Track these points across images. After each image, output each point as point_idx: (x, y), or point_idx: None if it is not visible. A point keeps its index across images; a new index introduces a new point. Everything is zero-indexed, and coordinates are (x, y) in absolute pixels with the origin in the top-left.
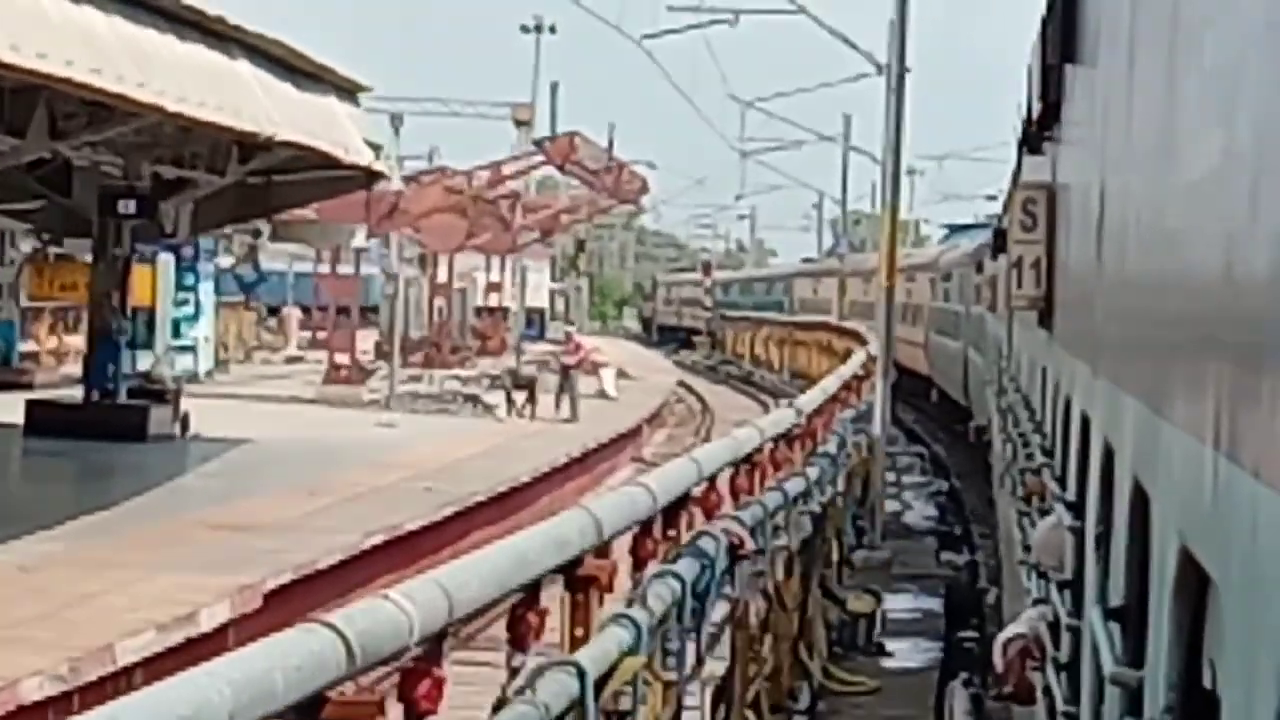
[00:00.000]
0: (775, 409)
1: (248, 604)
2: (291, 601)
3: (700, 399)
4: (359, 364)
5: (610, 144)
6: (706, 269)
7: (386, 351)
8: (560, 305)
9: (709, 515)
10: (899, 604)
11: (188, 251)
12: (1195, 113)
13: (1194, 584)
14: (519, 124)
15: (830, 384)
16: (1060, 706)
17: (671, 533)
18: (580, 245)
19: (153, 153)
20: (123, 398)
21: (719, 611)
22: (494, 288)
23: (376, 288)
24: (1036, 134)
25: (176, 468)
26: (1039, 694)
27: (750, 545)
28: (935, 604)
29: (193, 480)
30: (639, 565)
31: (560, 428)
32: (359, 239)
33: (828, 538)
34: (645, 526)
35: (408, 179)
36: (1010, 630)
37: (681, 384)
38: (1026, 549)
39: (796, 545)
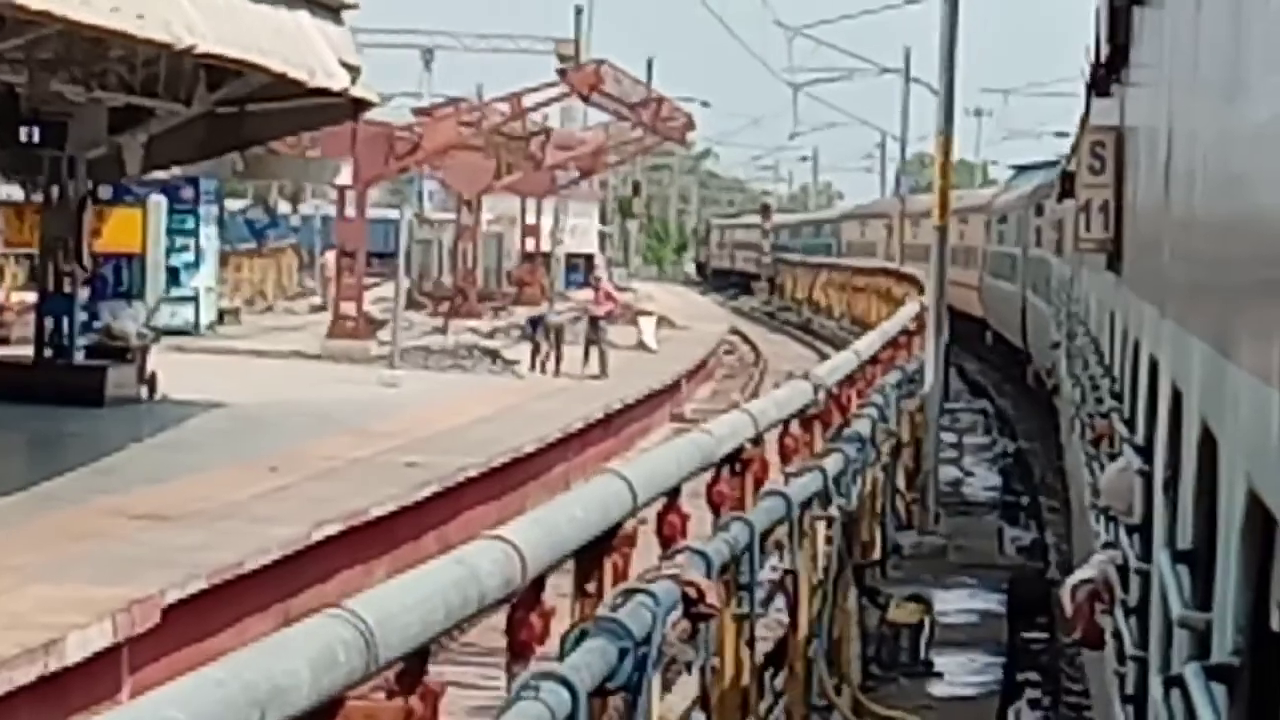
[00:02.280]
0: (786, 383)
1: (139, 624)
2: (203, 617)
3: (754, 348)
4: (367, 316)
5: (649, 76)
6: (765, 212)
7: (418, 301)
8: (611, 250)
9: (666, 542)
10: (954, 603)
11: (187, 193)
12: (1263, 54)
13: (1261, 527)
14: (563, 59)
15: (867, 345)
16: (1129, 650)
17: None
18: (635, 187)
19: (63, 71)
20: (79, 357)
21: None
22: (530, 231)
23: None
24: (1104, 76)
25: (123, 438)
26: (1108, 638)
27: (713, 598)
28: (997, 602)
29: (135, 454)
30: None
31: (586, 385)
32: (344, 176)
33: (858, 540)
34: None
35: (419, 113)
36: (1079, 574)
37: (736, 332)
38: (1096, 493)
39: (806, 563)
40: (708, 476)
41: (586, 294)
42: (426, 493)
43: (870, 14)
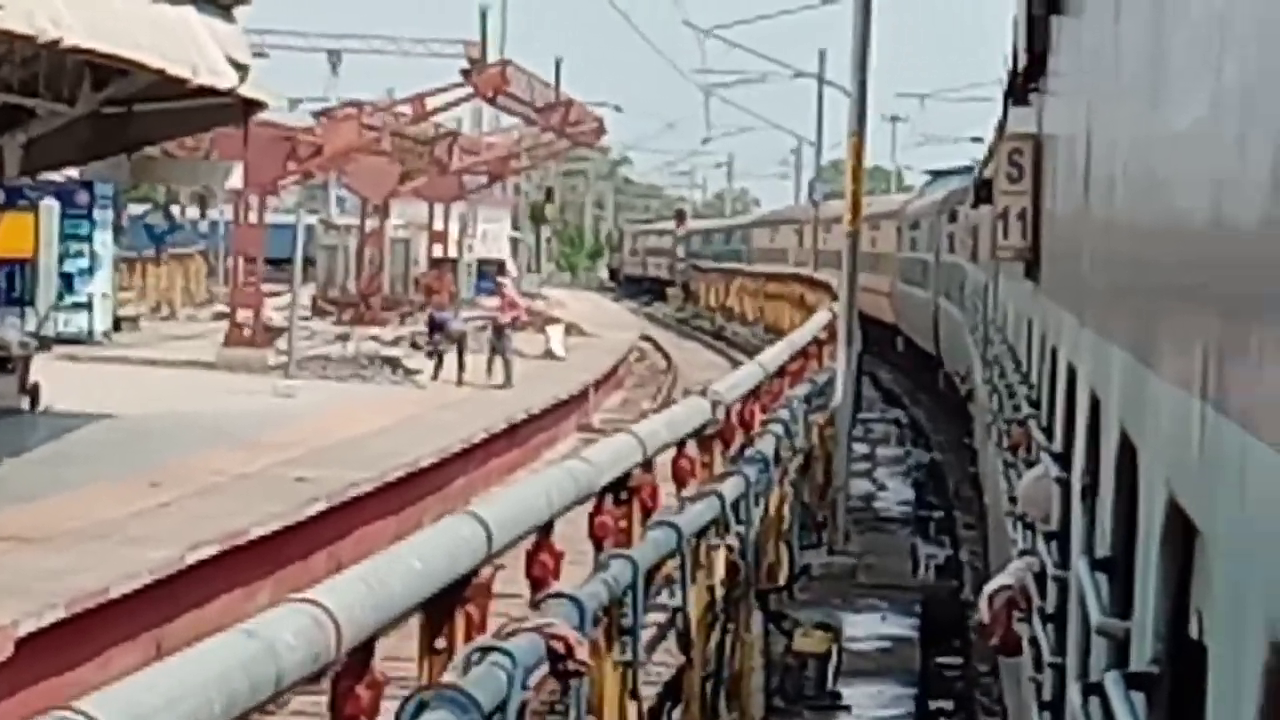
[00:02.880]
0: (684, 400)
1: None
2: (61, 650)
3: (666, 356)
4: (265, 324)
5: (557, 79)
6: (680, 218)
7: (322, 308)
8: (524, 257)
9: (536, 586)
10: (864, 628)
11: (81, 198)
12: (1182, 62)
13: (1181, 535)
14: (472, 62)
15: (772, 357)
16: (1046, 658)
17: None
18: (548, 193)
19: None
20: None
21: None
22: (437, 237)
23: (309, 238)
24: (1022, 85)
25: None
26: (1025, 645)
27: (583, 653)
28: (910, 626)
29: (9, 470)
30: None
31: (491, 394)
32: (234, 179)
33: (763, 563)
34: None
35: (320, 115)
36: (997, 581)
37: (647, 339)
38: (1013, 500)
39: (701, 597)
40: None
41: (496, 300)
42: (315, 510)
43: (786, 15)
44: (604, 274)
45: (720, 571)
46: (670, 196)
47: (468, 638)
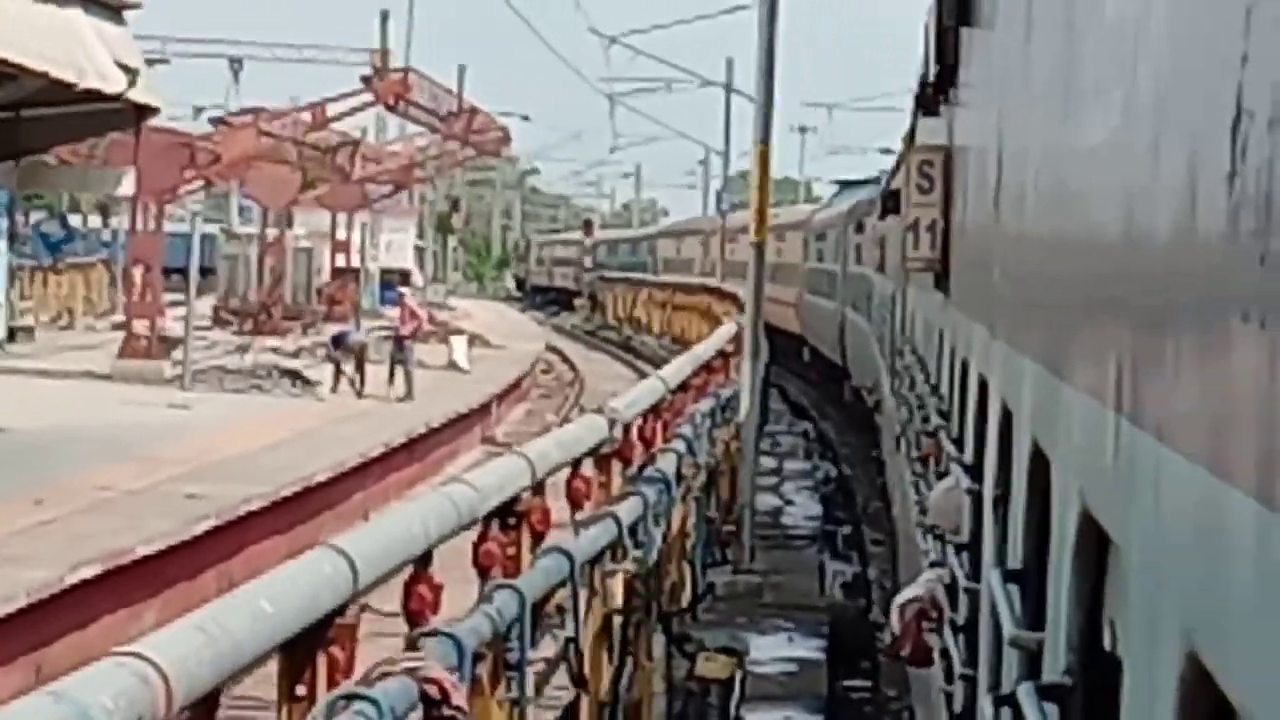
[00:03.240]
0: (579, 418)
1: None
2: None
3: (573, 367)
4: (161, 334)
5: (461, 86)
6: (587, 228)
7: (224, 318)
8: (430, 267)
9: (413, 621)
10: (770, 650)
11: None
12: (1093, 73)
13: (1095, 546)
14: (378, 71)
15: (674, 371)
16: (958, 669)
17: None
18: (454, 203)
19: None
20: None
21: None
22: (340, 246)
23: (212, 248)
24: (933, 96)
25: None
26: (936, 656)
27: (459, 697)
28: (817, 648)
29: None
30: None
31: (391, 407)
32: (126, 186)
33: (664, 586)
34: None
35: (217, 122)
36: (907, 593)
37: (554, 350)
38: (923, 511)
39: (595, 626)
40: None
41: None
42: (204, 527)
43: (695, 22)
44: (511, 284)
45: (618, 598)
46: (579, 206)
47: (331, 684)
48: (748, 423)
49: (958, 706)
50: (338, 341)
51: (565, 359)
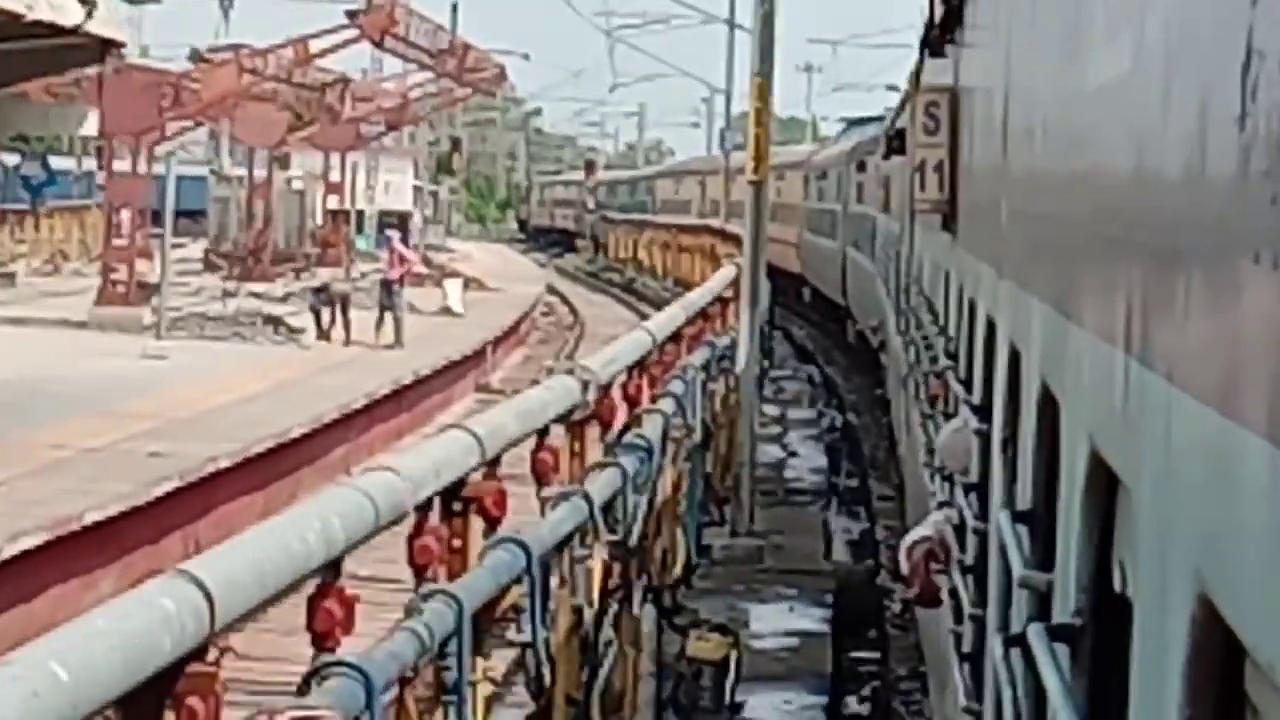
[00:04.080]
0: (547, 379)
1: None
2: None
3: (573, 310)
4: (140, 280)
5: (454, 23)
6: (590, 168)
7: (214, 263)
8: (429, 209)
9: (320, 644)
10: (770, 622)
11: None
12: (1104, 14)
13: (1104, 486)
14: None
15: (664, 321)
16: (967, 610)
17: None
18: (454, 143)
19: None
20: None
21: None
22: (333, 188)
23: (197, 191)
24: (939, 37)
25: None
26: (945, 596)
27: None
28: (820, 619)
29: None
30: None
31: (379, 355)
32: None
33: (650, 561)
34: None
35: (197, 60)
36: (915, 533)
37: (555, 292)
38: (930, 452)
39: (566, 621)
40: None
41: (408, 253)
42: (165, 489)
43: None
44: (515, 226)
45: (594, 585)
46: (584, 147)
47: None
48: (745, 375)
49: (966, 647)
50: (319, 291)
51: (566, 302)
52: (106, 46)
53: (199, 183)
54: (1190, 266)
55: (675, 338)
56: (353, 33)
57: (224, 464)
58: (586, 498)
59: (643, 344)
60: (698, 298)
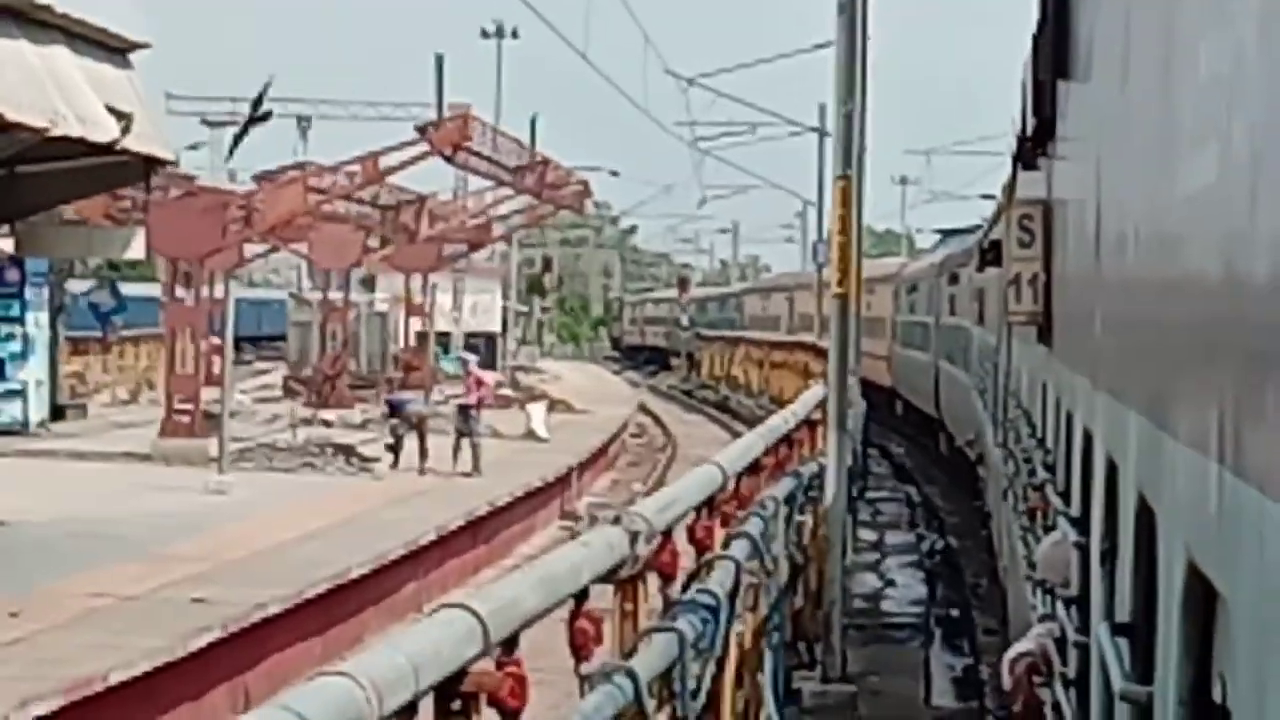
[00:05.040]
0: (591, 531)
1: None
2: None
3: (665, 430)
4: (207, 411)
5: (533, 136)
6: (683, 285)
7: (293, 389)
8: (520, 330)
9: None
10: None
11: (10, 275)
12: (1191, 125)
13: (1202, 599)
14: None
15: (737, 454)
16: None
17: None
18: (546, 262)
19: None
20: None
21: None
22: (415, 310)
23: (280, 315)
24: (1031, 150)
25: None
26: (1047, 711)
27: None
28: None
29: None
30: None
31: (455, 484)
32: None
33: None
34: None
35: (260, 178)
36: (1017, 647)
37: (647, 412)
38: (1031, 565)
39: None
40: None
41: (491, 376)
42: (204, 641)
43: (779, 59)
44: (609, 344)
45: None
46: (679, 264)
47: None
48: (834, 509)
49: None
50: (394, 410)
51: (659, 422)
52: (150, 164)
53: (281, 306)
54: None
55: (754, 468)
56: (423, 148)
57: (273, 610)
58: (631, 675)
59: (710, 480)
60: (780, 422)
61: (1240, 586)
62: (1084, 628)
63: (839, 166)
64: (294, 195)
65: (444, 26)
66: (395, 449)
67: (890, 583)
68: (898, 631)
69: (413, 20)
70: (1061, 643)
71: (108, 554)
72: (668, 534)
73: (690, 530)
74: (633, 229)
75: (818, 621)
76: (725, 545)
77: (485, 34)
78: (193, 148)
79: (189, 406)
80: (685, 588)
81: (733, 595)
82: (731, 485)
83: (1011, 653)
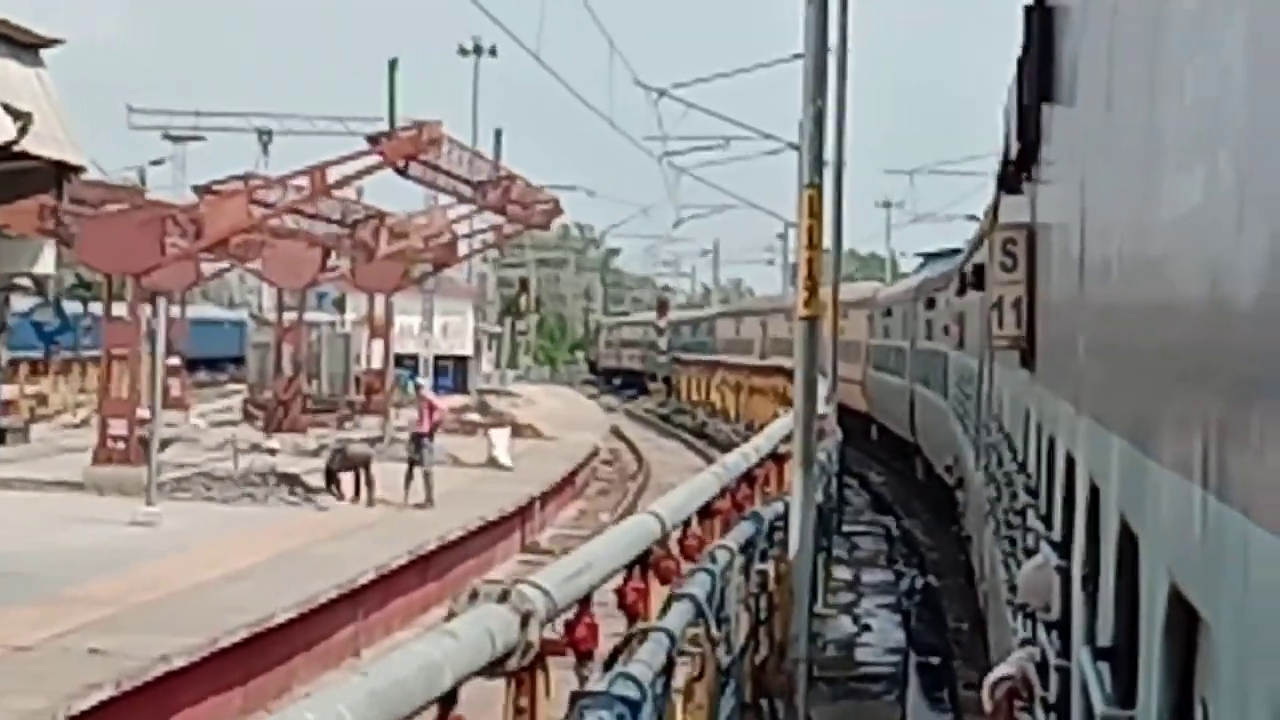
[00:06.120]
0: (466, 614)
1: None
2: None
3: (639, 457)
4: (143, 437)
5: (497, 151)
6: (662, 308)
7: (251, 413)
8: (494, 352)
9: None
10: None
11: None
12: (1176, 148)
13: (1184, 623)
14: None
15: (681, 499)
16: None
17: None
18: (523, 284)
19: None
20: None
21: None
22: (377, 331)
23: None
24: (1015, 174)
25: None
26: None
27: None
28: None
29: None
30: None
31: (405, 516)
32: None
33: None
34: None
35: (202, 191)
36: (998, 671)
37: (622, 437)
38: (1012, 589)
39: None
40: None
41: (458, 400)
42: (90, 702)
43: (758, 69)
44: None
45: None
46: (661, 287)
47: None
48: (800, 560)
49: None
50: (336, 454)
51: (633, 448)
52: (63, 171)
53: (236, 327)
54: (1264, 400)
55: (708, 512)
56: (374, 160)
57: (179, 663)
58: None
59: (644, 533)
60: (738, 461)
61: (1223, 610)
62: (1065, 652)
63: (807, 174)
64: (237, 208)
65: (412, 44)
66: (331, 482)
67: (866, 627)
68: (872, 684)
69: (379, 37)
70: (1043, 667)
71: (8, 595)
72: (586, 601)
73: (620, 594)
74: (615, 251)
75: (783, 675)
76: (664, 610)
77: (464, 51)
78: (156, 163)
79: (124, 432)
80: (609, 665)
81: (666, 673)
82: (679, 534)
83: (992, 677)
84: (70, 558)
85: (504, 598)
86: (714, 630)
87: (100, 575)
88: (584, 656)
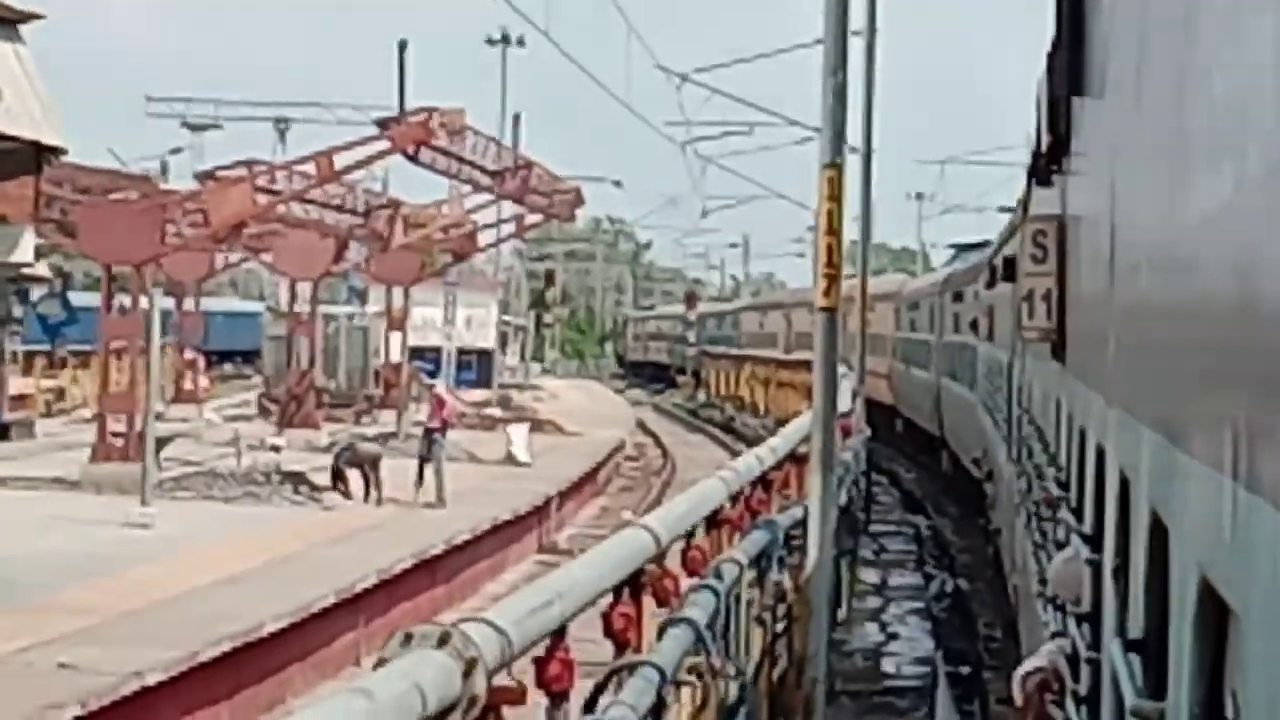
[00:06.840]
0: (414, 645)
1: None
2: None
3: (665, 452)
4: (140, 434)
5: (516, 138)
6: (690, 301)
7: (266, 408)
8: (519, 345)
9: None
10: None
11: None
12: (1207, 142)
13: (1215, 615)
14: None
15: (678, 515)
16: None
17: None
18: (549, 276)
19: None
20: None
21: None
22: (394, 324)
23: (251, 328)
24: (1045, 166)
25: None
26: None
27: None
28: None
29: None
30: None
31: (414, 516)
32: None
33: None
34: None
35: (204, 176)
36: (1029, 664)
37: (648, 431)
38: (1043, 582)
39: None
40: None
41: (480, 395)
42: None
43: (779, 54)
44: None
45: None
46: (692, 280)
47: None
48: (818, 574)
49: None
50: (344, 452)
51: (659, 443)
52: (42, 152)
53: (240, 320)
54: None
55: (716, 520)
56: (383, 145)
57: (153, 679)
58: None
59: (634, 552)
60: (750, 464)
61: (1253, 602)
62: (1096, 644)
63: (828, 153)
64: (240, 195)
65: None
66: (338, 481)
67: (893, 635)
68: (898, 698)
69: (402, 26)
70: (1073, 659)
71: None
72: (561, 633)
73: (606, 620)
74: (647, 245)
75: (800, 693)
76: (659, 637)
77: (491, 41)
78: (175, 151)
79: (123, 428)
80: (589, 707)
81: (655, 714)
82: (682, 546)
83: (1023, 669)
84: (55, 562)
85: (444, 641)
86: (714, 660)
87: (84, 581)
88: (558, 698)
